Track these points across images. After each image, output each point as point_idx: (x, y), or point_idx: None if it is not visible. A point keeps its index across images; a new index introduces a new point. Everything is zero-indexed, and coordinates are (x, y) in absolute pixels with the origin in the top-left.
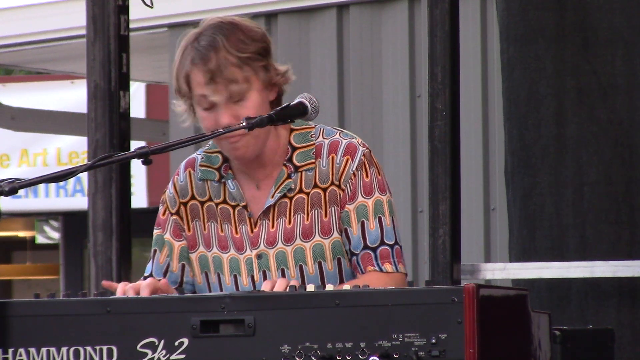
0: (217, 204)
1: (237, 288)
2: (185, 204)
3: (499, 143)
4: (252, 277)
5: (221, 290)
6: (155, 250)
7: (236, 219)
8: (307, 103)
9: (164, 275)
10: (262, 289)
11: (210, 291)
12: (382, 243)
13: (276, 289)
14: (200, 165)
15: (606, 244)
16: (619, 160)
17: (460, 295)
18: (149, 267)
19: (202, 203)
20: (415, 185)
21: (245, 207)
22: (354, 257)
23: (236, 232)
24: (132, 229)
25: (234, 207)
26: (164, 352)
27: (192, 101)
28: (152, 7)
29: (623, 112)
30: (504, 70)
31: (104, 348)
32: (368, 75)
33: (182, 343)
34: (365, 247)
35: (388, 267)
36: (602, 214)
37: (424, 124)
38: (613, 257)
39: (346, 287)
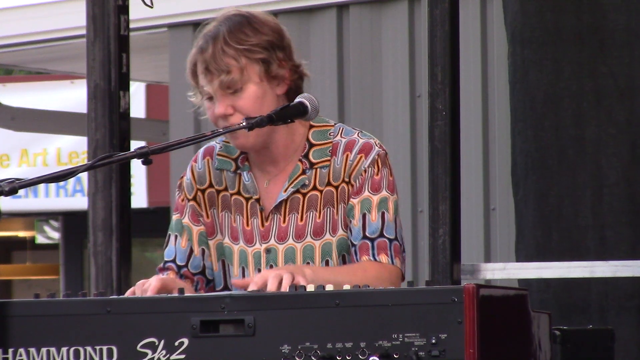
0: (231, 195)
1: None
2: (203, 191)
3: (499, 143)
4: (259, 270)
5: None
6: (176, 236)
7: (248, 211)
8: (307, 103)
9: (188, 259)
10: (267, 280)
11: (226, 279)
12: (381, 235)
13: (283, 288)
14: (218, 155)
15: (626, 246)
16: (638, 162)
17: (460, 295)
18: (170, 253)
19: (218, 192)
20: (415, 185)
21: (258, 200)
22: (353, 248)
23: (247, 225)
24: (132, 229)
25: (247, 200)
26: (164, 352)
27: (199, 91)
28: (152, 7)
29: None
30: (516, 72)
31: (104, 348)
32: (368, 75)
33: (182, 343)
34: (364, 237)
35: (383, 258)
36: (622, 215)
37: (424, 124)
38: (633, 258)
39: (346, 287)
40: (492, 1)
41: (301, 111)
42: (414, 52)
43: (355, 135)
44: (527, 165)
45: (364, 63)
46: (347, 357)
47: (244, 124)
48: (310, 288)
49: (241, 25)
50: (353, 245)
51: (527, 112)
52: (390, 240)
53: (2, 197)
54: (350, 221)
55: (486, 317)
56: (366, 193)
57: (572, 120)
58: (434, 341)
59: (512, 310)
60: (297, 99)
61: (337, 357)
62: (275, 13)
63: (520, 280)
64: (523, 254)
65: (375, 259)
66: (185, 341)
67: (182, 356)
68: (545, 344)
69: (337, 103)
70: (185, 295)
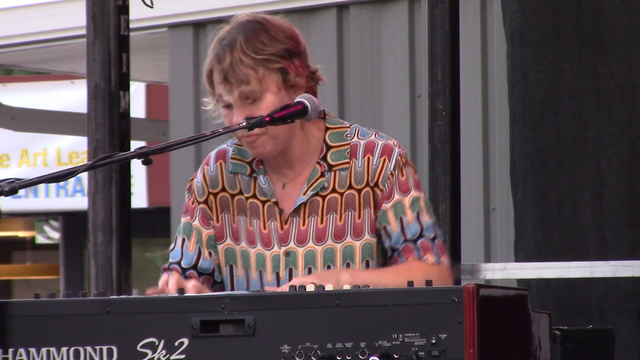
0: (247, 198)
1: (262, 284)
2: (215, 195)
3: (499, 143)
4: (277, 273)
5: (247, 284)
6: (183, 239)
7: (265, 214)
8: (307, 103)
9: (196, 262)
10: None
11: (232, 284)
12: (422, 236)
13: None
14: (232, 158)
15: (626, 246)
16: (638, 162)
17: (460, 295)
18: (176, 254)
19: (233, 196)
20: None
21: (276, 203)
22: (395, 252)
23: (264, 228)
24: (132, 229)
25: (263, 203)
26: (164, 352)
27: (215, 97)
28: (152, 7)
29: None
30: (515, 73)
31: (104, 348)
32: (368, 75)
33: (182, 343)
34: (406, 240)
35: (430, 258)
36: (622, 216)
37: (424, 124)
38: (634, 258)
39: (346, 287)
40: (492, 1)
41: (301, 111)
42: (414, 52)
43: (373, 137)
44: (526, 166)
45: (364, 63)
46: (347, 357)
47: (244, 124)
48: (310, 288)
49: (257, 32)
50: (395, 250)
51: (526, 112)
52: (432, 239)
53: (2, 197)
54: (385, 227)
55: (486, 317)
56: (396, 196)
57: (572, 121)
58: (434, 341)
59: (512, 310)
60: (297, 99)
61: (337, 357)
62: (276, 13)
63: (520, 281)
64: (522, 255)
65: (421, 259)
66: (185, 341)
67: (182, 356)
68: (545, 344)
69: (337, 103)
70: (185, 295)
